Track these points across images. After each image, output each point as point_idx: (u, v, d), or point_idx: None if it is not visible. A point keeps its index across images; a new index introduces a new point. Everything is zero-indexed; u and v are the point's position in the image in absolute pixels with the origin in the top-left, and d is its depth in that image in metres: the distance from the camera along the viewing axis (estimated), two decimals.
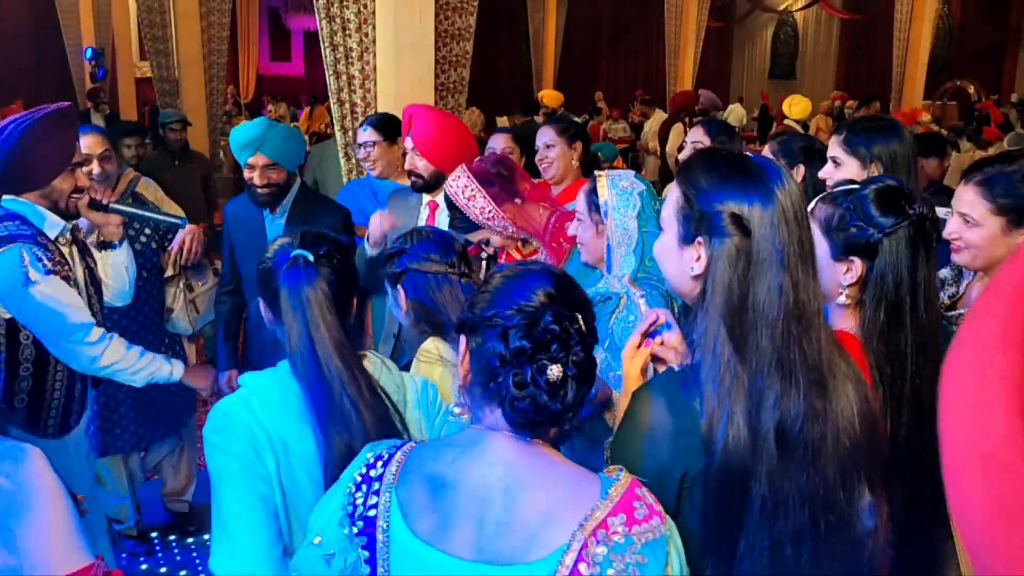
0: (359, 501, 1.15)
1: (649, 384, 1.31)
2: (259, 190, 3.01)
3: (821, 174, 2.52)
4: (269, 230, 3.10)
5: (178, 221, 2.74)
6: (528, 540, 1.08)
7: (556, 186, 3.36)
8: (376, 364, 1.62)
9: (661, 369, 1.54)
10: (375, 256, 2.81)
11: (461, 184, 2.54)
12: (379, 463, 1.18)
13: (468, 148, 3.05)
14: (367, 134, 3.45)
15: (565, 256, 2.54)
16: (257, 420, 1.48)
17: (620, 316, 2.11)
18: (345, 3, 3.85)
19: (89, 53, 13.99)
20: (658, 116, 10.05)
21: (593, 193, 2.20)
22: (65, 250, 2.47)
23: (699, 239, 1.25)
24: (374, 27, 3.90)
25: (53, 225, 2.40)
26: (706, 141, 3.18)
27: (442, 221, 3.02)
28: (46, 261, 2.28)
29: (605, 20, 19.18)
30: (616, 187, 2.20)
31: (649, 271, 2.19)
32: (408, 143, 3.00)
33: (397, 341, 2.86)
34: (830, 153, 2.50)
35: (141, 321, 3.24)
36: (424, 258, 1.96)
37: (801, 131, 8.60)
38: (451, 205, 2.59)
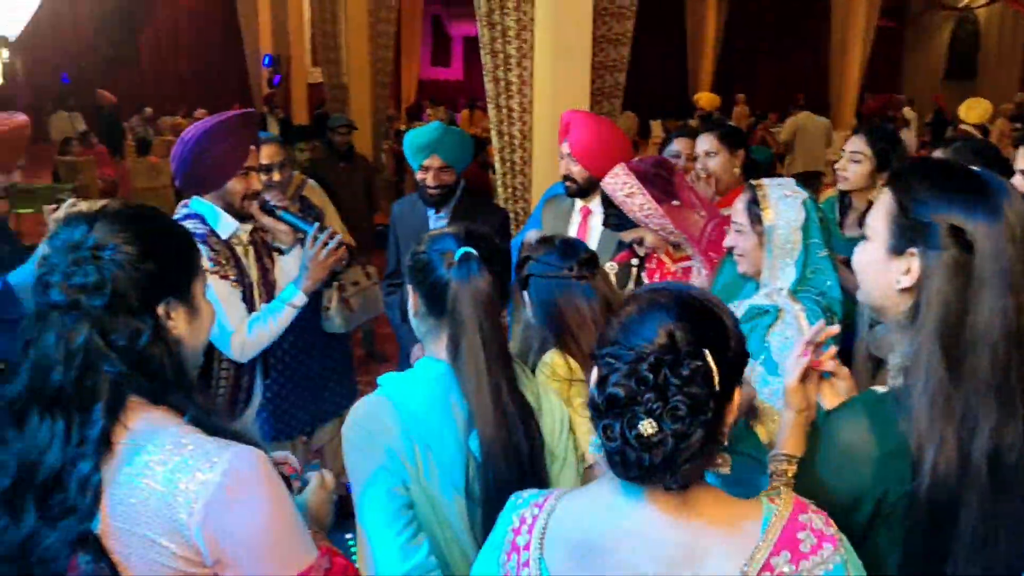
0: (512, 571, 1.11)
1: (849, 405, 1.26)
2: (431, 190, 3.20)
3: None
4: (433, 228, 3.22)
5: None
6: None
7: (717, 194, 3.28)
8: (517, 370, 1.62)
9: (827, 386, 1.47)
10: None
11: (620, 181, 2.53)
12: (524, 528, 1.12)
13: (624, 154, 3.02)
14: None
15: (715, 266, 2.49)
16: (399, 421, 1.49)
17: (778, 331, 2.04)
18: (506, 10, 3.93)
19: (267, 60, 14.94)
20: (800, 118, 9.72)
21: (754, 203, 2.14)
22: (240, 250, 2.61)
23: (911, 250, 1.20)
24: (533, 33, 3.95)
25: (227, 226, 2.53)
26: (867, 151, 3.00)
27: (594, 225, 3.03)
28: (206, 260, 2.37)
29: (767, 19, 18.56)
30: (780, 196, 2.13)
31: (810, 284, 2.11)
32: (564, 148, 3.03)
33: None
34: (1020, 165, 2.31)
35: (297, 320, 3.43)
36: (546, 263, 1.98)
37: (979, 136, 8.00)
38: (607, 202, 2.58)
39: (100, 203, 1.28)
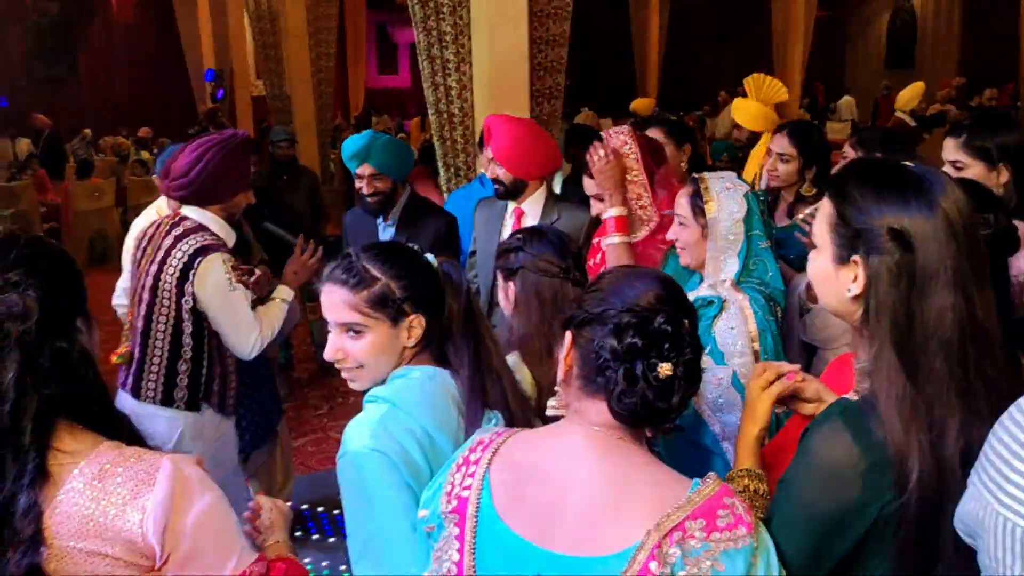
0: (457, 481, 1.22)
1: (827, 417, 1.22)
2: (367, 198, 3.27)
3: None
4: (382, 236, 3.33)
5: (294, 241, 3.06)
6: (604, 534, 1.10)
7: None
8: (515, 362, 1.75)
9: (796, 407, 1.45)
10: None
11: (623, 139, 2.58)
12: (480, 447, 1.24)
13: (547, 157, 3.07)
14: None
15: (658, 262, 2.49)
16: (412, 421, 1.47)
17: (723, 321, 2.04)
18: (442, 16, 3.91)
19: (209, 75, 14.74)
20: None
21: (697, 196, 2.15)
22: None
23: (855, 257, 1.18)
24: (470, 38, 3.93)
25: (230, 235, 2.74)
26: (793, 152, 3.00)
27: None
28: (236, 272, 2.64)
29: (709, 15, 18.78)
30: (721, 188, 2.13)
31: (752, 275, 2.12)
32: (487, 153, 3.06)
33: None
34: (948, 156, 2.34)
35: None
36: (539, 258, 1.97)
37: (912, 123, 8.14)
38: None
39: None
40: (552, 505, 1.14)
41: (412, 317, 1.54)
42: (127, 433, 1.29)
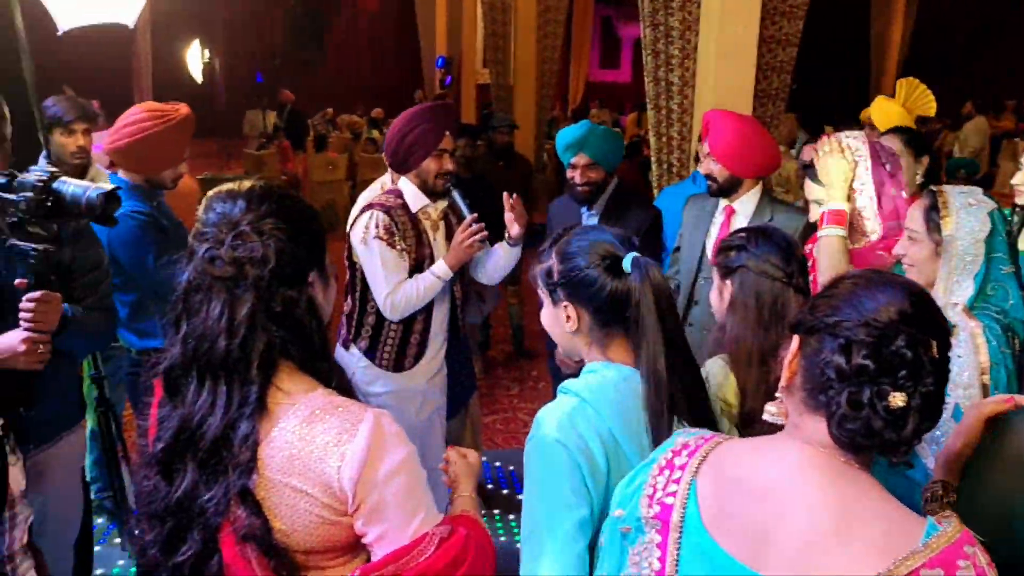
0: (660, 485, 1.16)
1: None
2: (579, 187, 3.33)
3: None
4: (585, 224, 3.26)
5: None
6: (825, 567, 1.00)
7: None
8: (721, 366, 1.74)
9: None
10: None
11: (857, 144, 2.44)
12: (685, 452, 1.17)
13: (766, 156, 2.95)
14: None
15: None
16: (600, 420, 1.45)
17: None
18: (670, 10, 3.86)
19: (440, 62, 15.45)
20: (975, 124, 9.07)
21: (934, 210, 1.98)
22: (428, 224, 2.94)
23: None
24: (697, 33, 3.85)
25: (416, 201, 2.90)
26: None
27: (739, 225, 2.91)
28: (380, 229, 2.78)
29: (961, 22, 17.22)
30: (963, 204, 1.95)
31: (989, 301, 1.93)
32: (704, 148, 3.00)
33: None
34: None
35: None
36: (763, 260, 1.88)
37: None
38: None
39: (246, 183, 1.36)
40: (767, 525, 1.05)
41: (565, 304, 1.54)
42: (338, 384, 1.36)
